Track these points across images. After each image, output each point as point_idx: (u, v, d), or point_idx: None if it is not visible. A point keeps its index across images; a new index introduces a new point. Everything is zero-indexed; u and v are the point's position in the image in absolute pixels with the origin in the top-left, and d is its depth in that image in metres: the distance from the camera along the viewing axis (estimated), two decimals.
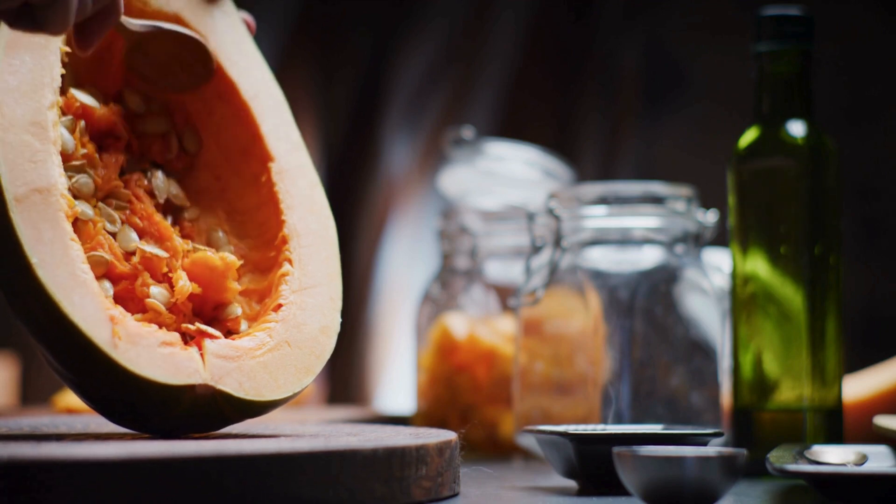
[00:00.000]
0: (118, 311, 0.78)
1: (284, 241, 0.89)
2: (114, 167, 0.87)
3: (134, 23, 0.88)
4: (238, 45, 0.93)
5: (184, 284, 0.84)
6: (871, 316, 1.83)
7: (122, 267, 0.83)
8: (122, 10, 0.82)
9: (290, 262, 0.88)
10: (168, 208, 0.90)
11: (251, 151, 0.92)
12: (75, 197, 0.83)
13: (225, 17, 0.93)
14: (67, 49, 0.86)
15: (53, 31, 0.78)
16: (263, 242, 0.90)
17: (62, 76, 0.85)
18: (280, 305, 0.85)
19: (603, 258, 1.10)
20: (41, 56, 0.84)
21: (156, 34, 0.89)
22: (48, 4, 0.76)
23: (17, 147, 0.80)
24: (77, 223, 0.82)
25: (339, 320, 0.87)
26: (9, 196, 0.78)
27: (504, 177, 1.30)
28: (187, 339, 0.82)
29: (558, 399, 1.11)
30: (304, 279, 0.87)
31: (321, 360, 0.85)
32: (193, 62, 0.91)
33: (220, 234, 0.90)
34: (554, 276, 1.11)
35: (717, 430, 0.86)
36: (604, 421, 1.06)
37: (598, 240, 1.11)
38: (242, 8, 0.96)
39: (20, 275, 0.77)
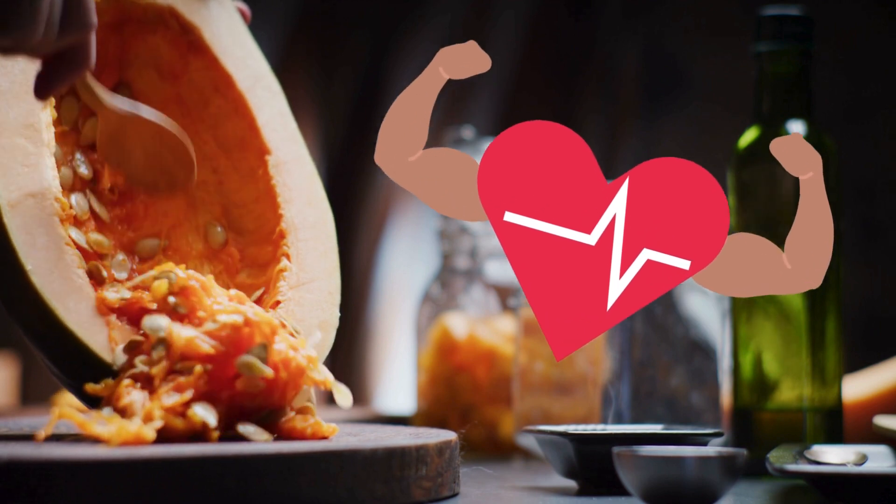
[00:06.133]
0: (113, 316, 0.78)
1: (282, 235, 0.88)
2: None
3: (115, 101, 0.81)
4: (233, 36, 0.92)
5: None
6: (871, 316, 1.83)
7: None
8: (93, 64, 0.76)
9: (287, 257, 0.87)
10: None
11: (248, 144, 0.91)
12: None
13: (219, 7, 0.92)
14: None
15: (22, 38, 0.71)
16: (261, 237, 0.90)
17: None
18: (278, 302, 0.85)
19: None
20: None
21: (136, 121, 0.82)
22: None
23: (9, 151, 0.79)
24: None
25: (338, 315, 0.87)
26: (2, 201, 0.77)
27: None
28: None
29: (558, 399, 1.11)
30: (302, 274, 0.87)
31: (320, 356, 0.84)
32: (173, 165, 0.84)
33: (219, 228, 0.90)
34: None
35: (717, 430, 0.86)
36: (604, 421, 1.06)
37: None
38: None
39: (15, 281, 0.77)
